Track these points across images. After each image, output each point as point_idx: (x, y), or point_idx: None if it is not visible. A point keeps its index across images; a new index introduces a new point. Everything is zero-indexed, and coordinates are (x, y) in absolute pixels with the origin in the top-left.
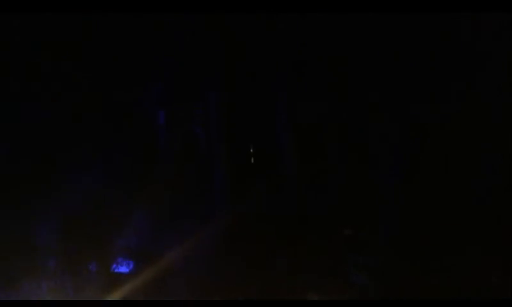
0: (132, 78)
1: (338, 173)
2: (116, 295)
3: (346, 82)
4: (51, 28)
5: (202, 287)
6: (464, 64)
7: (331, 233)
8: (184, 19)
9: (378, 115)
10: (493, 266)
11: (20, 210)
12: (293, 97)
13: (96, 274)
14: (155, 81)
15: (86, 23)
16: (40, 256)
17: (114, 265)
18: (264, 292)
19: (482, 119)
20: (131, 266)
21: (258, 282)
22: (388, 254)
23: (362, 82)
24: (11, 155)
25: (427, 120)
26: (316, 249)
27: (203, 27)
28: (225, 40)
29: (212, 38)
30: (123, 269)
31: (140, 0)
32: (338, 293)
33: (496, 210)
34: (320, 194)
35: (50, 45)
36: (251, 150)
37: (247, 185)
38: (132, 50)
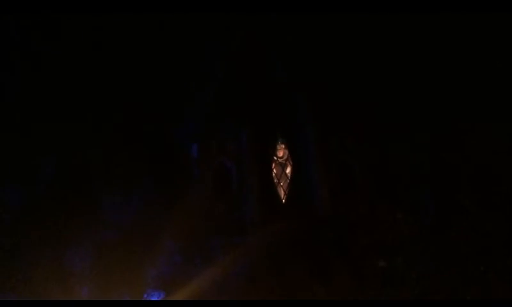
0: (167, 112)
1: (371, 207)
2: None
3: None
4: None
5: None
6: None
7: (366, 265)
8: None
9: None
10: None
11: (55, 237)
12: (324, 131)
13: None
14: (189, 115)
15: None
16: (73, 285)
17: (145, 295)
18: None
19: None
20: (161, 296)
21: None
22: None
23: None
24: (53, 180)
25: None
26: (349, 281)
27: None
28: (258, 75)
29: (244, 73)
30: (154, 299)
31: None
32: None
33: None
34: (354, 227)
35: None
36: (282, 183)
37: (278, 217)
38: (167, 85)
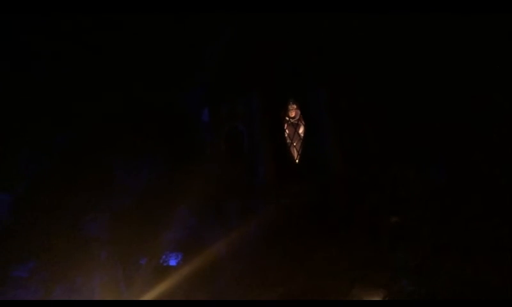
0: (178, 77)
1: (383, 169)
2: (164, 287)
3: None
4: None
5: (247, 279)
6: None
7: (378, 221)
8: (225, 19)
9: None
10: None
11: (73, 202)
12: (336, 94)
13: (146, 266)
14: (200, 80)
15: (130, 25)
16: (92, 248)
17: (163, 257)
18: (308, 285)
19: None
20: (179, 258)
21: (302, 275)
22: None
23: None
24: (67, 150)
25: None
26: (360, 242)
27: (246, 26)
28: (267, 38)
29: (255, 36)
30: (172, 262)
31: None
32: (382, 286)
33: None
34: (366, 189)
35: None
36: (294, 144)
37: (291, 179)
38: (177, 49)
